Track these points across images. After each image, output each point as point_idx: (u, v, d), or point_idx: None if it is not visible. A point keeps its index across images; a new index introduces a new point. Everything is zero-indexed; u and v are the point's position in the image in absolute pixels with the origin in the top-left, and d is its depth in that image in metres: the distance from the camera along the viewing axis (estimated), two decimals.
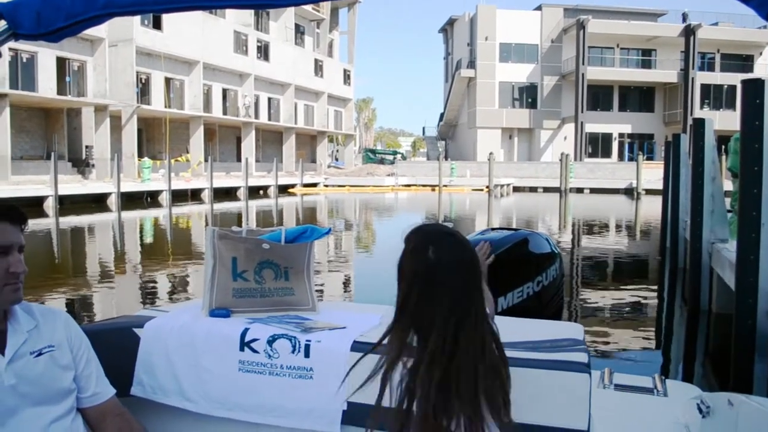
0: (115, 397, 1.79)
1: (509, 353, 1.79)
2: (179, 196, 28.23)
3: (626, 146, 51.71)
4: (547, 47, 51.10)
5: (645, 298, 8.83)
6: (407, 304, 1.42)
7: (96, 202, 24.41)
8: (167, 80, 35.20)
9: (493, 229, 4.47)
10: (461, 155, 52.16)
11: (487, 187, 35.98)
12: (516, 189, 39.08)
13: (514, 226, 16.79)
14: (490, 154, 37.91)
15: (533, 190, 39.65)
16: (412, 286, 1.41)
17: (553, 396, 1.77)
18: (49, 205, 21.83)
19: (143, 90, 33.52)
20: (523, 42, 50.95)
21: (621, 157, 50.81)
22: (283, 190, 36.08)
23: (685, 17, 50.10)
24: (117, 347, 2.13)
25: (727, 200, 7.87)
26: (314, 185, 40.07)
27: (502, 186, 36.78)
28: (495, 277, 3.69)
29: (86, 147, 30.07)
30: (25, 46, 26.06)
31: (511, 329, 2.12)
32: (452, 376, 1.35)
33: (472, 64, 51.83)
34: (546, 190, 38.64)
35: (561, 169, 37.25)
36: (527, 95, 51.68)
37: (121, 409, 1.78)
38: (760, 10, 1.23)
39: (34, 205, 21.03)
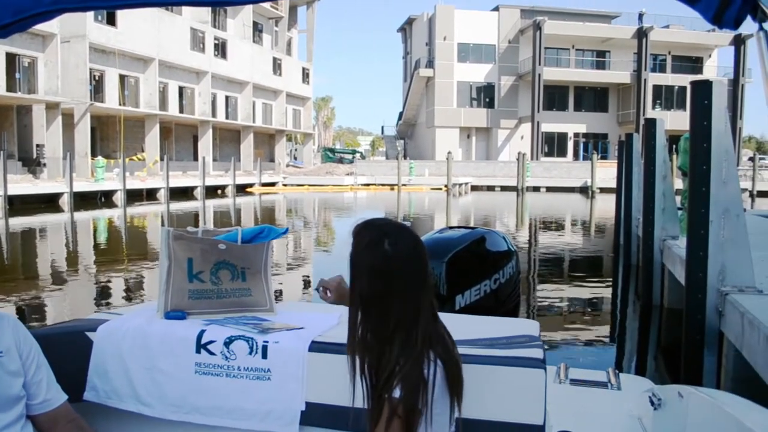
0: (67, 403, 1.75)
1: (466, 350, 1.81)
2: (134, 196, 27.70)
3: (581, 145, 52.66)
4: (505, 48, 51.68)
5: (599, 294, 9.01)
6: (365, 297, 1.45)
7: (48, 203, 23.76)
8: (122, 77, 34.46)
9: (450, 227, 4.49)
10: (420, 154, 52.41)
11: (446, 186, 36.25)
12: (474, 188, 39.44)
13: (471, 225, 16.95)
14: (449, 153, 38.21)
15: (491, 188, 40.08)
16: (371, 278, 1.44)
17: (509, 392, 1.79)
18: None
19: (97, 87, 32.76)
20: (480, 42, 51.41)
21: (576, 156, 51.75)
22: (241, 189, 35.72)
23: (641, 16, 51.22)
24: (69, 352, 2.09)
25: (678, 198, 8.09)
26: (273, 185, 39.76)
27: (460, 185, 37.06)
28: (453, 275, 3.73)
29: (37, 146, 29.27)
30: None
31: (468, 327, 2.14)
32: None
33: (430, 64, 52.11)
34: (503, 188, 39.10)
35: (518, 168, 37.75)
36: (485, 95, 52.17)
37: (73, 415, 1.74)
38: (705, 14, 1.27)
39: None
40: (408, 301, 1.43)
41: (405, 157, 48.15)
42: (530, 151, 46.48)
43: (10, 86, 27.94)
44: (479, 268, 3.88)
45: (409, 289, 1.43)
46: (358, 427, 1.88)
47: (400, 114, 59.94)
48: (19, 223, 19.07)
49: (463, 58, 51.45)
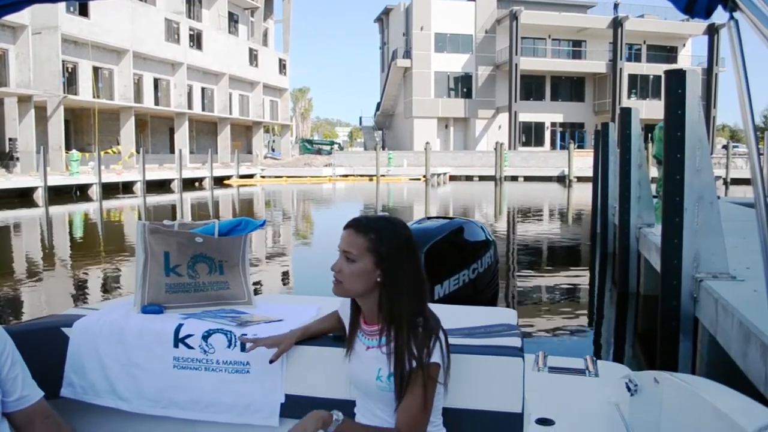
0: (43, 399, 1.73)
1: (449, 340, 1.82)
2: (110, 190, 27.37)
3: (558, 135, 53.02)
4: (482, 38, 51.75)
5: (577, 282, 9.10)
6: (401, 275, 1.65)
7: (21, 197, 23.39)
8: (95, 69, 33.95)
9: (429, 218, 4.51)
10: (398, 145, 52.40)
11: (424, 176, 36.30)
12: (452, 178, 39.55)
13: (450, 215, 17.00)
14: (427, 143, 38.25)
15: (469, 178, 40.21)
16: (409, 258, 1.67)
17: (487, 381, 1.81)
18: None
19: (70, 79, 32.25)
20: (457, 32, 51.41)
21: (553, 145, 52.09)
22: (219, 181, 35.45)
23: (616, 6, 51.56)
24: (44, 348, 2.07)
25: (654, 186, 8.18)
26: (251, 176, 39.52)
27: (438, 175, 37.14)
28: (432, 265, 3.74)
29: (9, 139, 28.77)
30: None
31: (447, 316, 2.14)
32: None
33: (407, 54, 52.04)
34: (482, 178, 39.25)
35: (496, 158, 37.90)
36: (462, 85, 52.24)
37: (49, 411, 1.72)
38: (677, 3, 1.28)
39: None
40: (421, 277, 1.69)
41: (383, 147, 48.12)
42: (508, 140, 46.71)
43: None
44: (458, 258, 3.90)
45: (421, 274, 1.70)
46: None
47: (378, 105, 59.84)
48: None
49: (441, 48, 51.44)
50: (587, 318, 7.11)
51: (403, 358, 1.59)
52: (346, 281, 1.66)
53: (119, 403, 2.08)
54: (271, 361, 1.92)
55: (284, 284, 9.14)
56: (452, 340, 1.86)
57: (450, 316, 2.17)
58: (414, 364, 1.58)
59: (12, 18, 25.43)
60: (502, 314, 2.28)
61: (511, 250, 11.98)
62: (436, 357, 1.60)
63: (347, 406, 1.82)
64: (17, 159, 28.65)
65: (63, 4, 28.08)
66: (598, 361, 2.34)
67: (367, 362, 1.69)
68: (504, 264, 9.84)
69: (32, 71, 29.00)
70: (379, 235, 1.65)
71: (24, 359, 1.75)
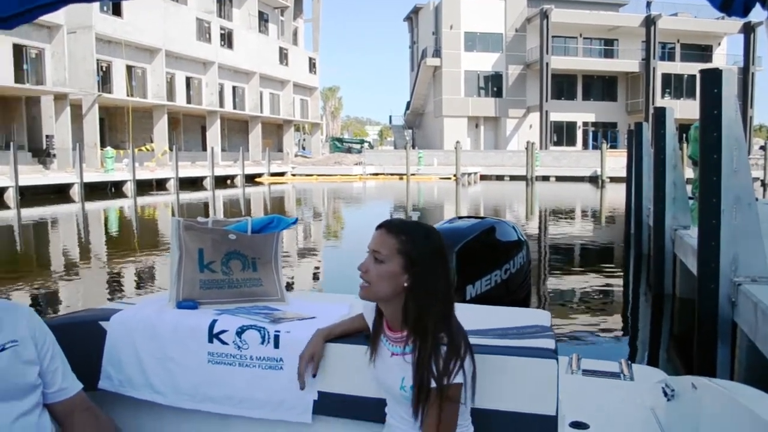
0: (82, 391, 1.76)
1: (477, 341, 1.81)
2: (144, 186, 27.79)
3: (590, 134, 52.38)
4: (512, 36, 51.37)
5: (610, 284, 8.98)
6: (429, 285, 1.62)
7: (58, 193, 23.89)
8: (129, 68, 34.51)
9: (460, 217, 4.48)
10: (428, 144, 52.28)
11: (455, 175, 36.18)
12: (483, 177, 39.33)
13: (481, 215, 16.93)
14: (457, 142, 38.12)
15: (500, 178, 39.95)
16: (439, 266, 1.64)
17: (521, 382, 1.79)
18: (10, 197, 21.32)
19: (104, 78, 32.83)
20: (487, 31, 51.09)
21: (585, 145, 51.48)
22: (250, 179, 35.77)
23: (649, 4, 50.78)
24: (83, 341, 2.10)
25: (689, 187, 8.03)
26: (281, 174, 39.79)
27: (469, 174, 36.97)
28: (463, 265, 3.72)
29: (46, 137, 29.39)
30: None
31: (479, 317, 2.14)
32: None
33: (437, 53, 51.88)
34: (512, 178, 38.96)
35: (527, 157, 37.60)
36: (492, 84, 51.92)
37: (88, 403, 1.76)
38: (713, 1, 1.25)
39: None
40: (451, 287, 1.67)
41: (413, 146, 48.06)
42: (539, 140, 46.30)
43: (18, 77, 28.02)
44: (489, 258, 3.88)
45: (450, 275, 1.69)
46: (372, 416, 1.89)
47: (408, 104, 59.78)
48: (30, 213, 19.19)
49: (470, 47, 51.17)
50: (621, 321, 7.01)
51: (424, 374, 1.56)
52: (372, 282, 1.63)
53: (155, 396, 2.11)
54: (314, 376, 1.93)
55: (314, 282, 9.19)
56: (484, 341, 1.85)
57: (482, 316, 2.16)
58: (432, 383, 1.55)
59: (48, 18, 25.96)
60: (535, 315, 2.26)
61: (543, 250, 11.87)
62: (458, 377, 1.56)
63: (379, 405, 1.82)
64: (54, 156, 29.25)
65: (97, 4, 28.62)
66: (633, 364, 2.30)
67: (392, 368, 1.67)
68: (536, 265, 9.76)
69: (68, 70, 29.58)
70: (411, 238, 1.62)
71: (63, 352, 1.78)
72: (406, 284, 1.61)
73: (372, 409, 1.87)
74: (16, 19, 1.69)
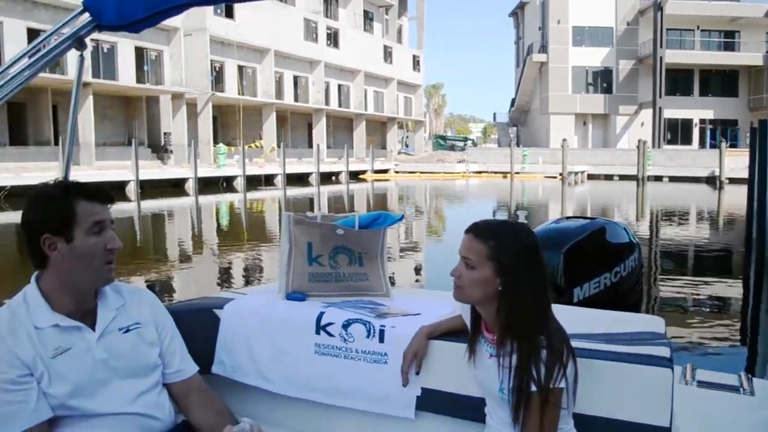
0: (198, 374, 1.85)
1: (585, 345, 1.75)
2: (253, 182, 28.86)
3: (708, 133, 49.47)
4: (623, 30, 49.35)
5: (728, 291, 8.47)
6: (526, 286, 1.57)
7: (174, 187, 25.26)
8: (240, 68, 35.95)
9: (567, 217, 4.36)
10: (533, 142, 51.20)
11: (561, 174, 35.23)
12: (590, 177, 38.10)
13: (588, 215, 16.40)
14: (564, 140, 37.07)
15: (609, 177, 38.55)
16: (534, 267, 1.59)
17: (631, 390, 1.72)
18: (131, 190, 22.72)
19: (217, 78, 34.36)
20: (597, 25, 49.35)
21: (702, 144, 48.69)
22: (354, 176, 36.36)
23: None
24: (198, 327, 2.20)
25: None
26: (385, 171, 40.20)
27: (576, 173, 35.92)
28: (571, 267, 3.62)
29: (164, 133, 31.14)
30: (105, 37, 27.13)
31: (588, 321, 2.07)
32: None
33: (543, 49, 50.66)
34: (622, 178, 37.49)
35: (638, 156, 36.00)
36: (602, 80, 50.15)
37: (204, 385, 1.84)
38: None
39: (116, 189, 21.91)
40: (546, 287, 1.61)
41: (518, 144, 47.23)
42: (651, 138, 44.23)
43: (140, 78, 29.88)
44: (599, 260, 3.74)
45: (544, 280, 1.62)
46: (474, 416, 1.87)
47: (513, 100, 58.79)
48: (149, 206, 20.40)
49: (579, 42, 49.62)
50: (740, 331, 6.59)
51: (522, 378, 1.53)
52: (465, 288, 1.61)
53: (264, 383, 2.18)
54: (417, 373, 1.94)
55: (416, 278, 9.23)
56: (592, 346, 1.79)
57: (590, 320, 2.09)
58: (533, 387, 1.51)
59: (166, 21, 27.47)
60: (647, 321, 2.16)
61: (655, 254, 11.36)
62: (559, 381, 1.51)
63: (481, 404, 1.80)
64: (171, 152, 30.93)
65: (211, 7, 29.96)
66: (754, 378, 2.16)
67: (491, 370, 1.64)
68: (648, 269, 9.35)
69: (184, 70, 31.20)
70: (500, 242, 1.57)
71: (181, 336, 1.88)
72: (499, 288, 1.58)
73: (475, 409, 1.86)
74: (142, 23, 1.81)
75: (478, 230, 1.61)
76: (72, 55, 1.98)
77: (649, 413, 1.70)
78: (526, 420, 1.53)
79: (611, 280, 3.74)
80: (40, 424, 1.52)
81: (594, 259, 3.75)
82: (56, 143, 24.28)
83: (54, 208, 1.58)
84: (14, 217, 16.23)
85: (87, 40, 1.94)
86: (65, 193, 1.60)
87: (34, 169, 22.35)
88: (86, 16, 1.84)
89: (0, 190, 19.59)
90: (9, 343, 1.53)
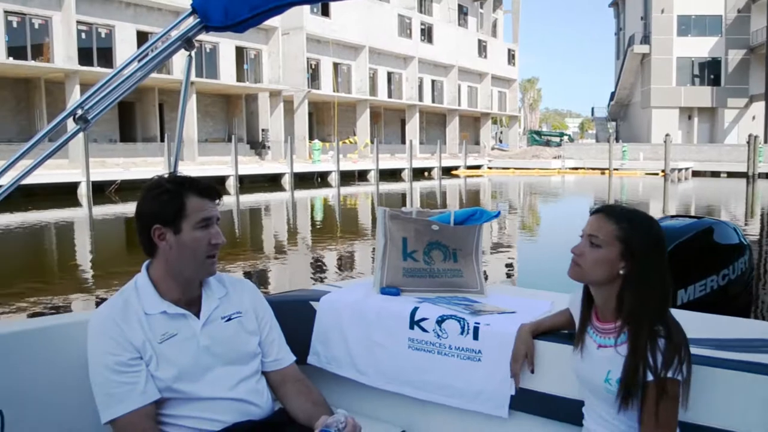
0: (295, 364, 1.90)
1: (696, 351, 1.66)
2: (347, 177, 29.32)
3: None
4: (733, 18, 46.59)
5: None
6: (653, 276, 1.54)
7: (271, 182, 26.04)
8: (335, 65, 36.55)
9: (672, 216, 4.16)
10: (633, 137, 49.27)
11: (663, 171, 33.73)
12: (695, 173, 36.31)
13: (692, 214, 15.65)
14: (667, 135, 35.42)
15: (715, 174, 36.60)
16: (659, 257, 1.56)
17: (746, 401, 1.62)
18: (231, 184, 23.60)
19: (313, 75, 35.10)
20: (704, 13, 46.84)
21: None
22: (447, 172, 36.24)
23: None
24: (295, 318, 2.25)
25: None
26: (478, 167, 39.85)
27: (679, 170, 34.33)
28: (675, 268, 3.45)
29: (262, 130, 32.15)
30: (208, 38, 28.30)
31: (694, 324, 1.97)
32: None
33: (646, 39, 48.56)
34: (730, 175, 35.51)
35: (748, 152, 33.93)
36: (709, 71, 47.59)
37: (300, 375, 1.89)
38: None
39: (217, 184, 22.68)
40: (669, 283, 1.58)
41: (617, 139, 45.60)
42: (764, 132, 41.59)
43: (239, 77, 30.99)
44: (706, 262, 3.56)
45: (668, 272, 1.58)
46: (570, 418, 1.82)
47: (612, 94, 56.79)
48: (247, 200, 21.13)
49: (684, 32, 47.26)
50: None
51: (638, 367, 1.48)
52: (585, 266, 1.58)
53: (358, 375, 2.21)
54: (532, 372, 1.91)
55: (509, 275, 9.10)
56: (701, 351, 1.70)
57: (696, 323, 1.98)
58: (650, 376, 1.47)
59: (265, 21, 28.33)
60: (760, 328, 2.04)
61: (765, 257, 10.69)
62: (677, 372, 1.47)
63: (576, 406, 1.75)
64: (268, 148, 31.89)
65: (308, 6, 30.61)
66: None
67: (598, 361, 1.60)
68: (759, 272, 8.81)
69: (281, 68, 32.05)
70: (633, 225, 1.55)
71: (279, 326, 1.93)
72: (621, 272, 1.55)
73: (571, 410, 1.81)
74: (247, 23, 1.88)
75: (611, 210, 1.60)
76: (178, 56, 2.07)
77: (764, 427, 1.60)
78: (643, 413, 1.49)
79: (718, 282, 3.54)
80: (148, 404, 1.61)
81: (700, 261, 3.57)
82: (162, 140, 25.56)
83: (166, 201, 1.66)
84: (123, 209, 17.25)
85: (194, 40, 2.02)
86: (178, 187, 1.68)
87: (142, 164, 23.69)
88: (194, 18, 1.92)
89: (111, 184, 20.80)
90: (122, 328, 1.63)
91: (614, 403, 1.54)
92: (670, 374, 1.47)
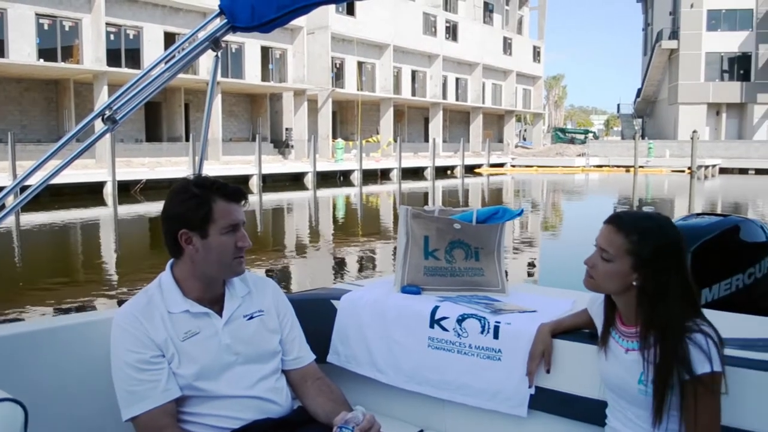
0: (315, 362, 1.91)
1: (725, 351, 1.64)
2: (369, 176, 29.34)
3: None
4: (764, 12, 45.75)
5: None
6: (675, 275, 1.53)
7: (294, 181, 26.15)
8: (359, 64, 36.58)
9: (698, 214, 4.09)
10: (660, 134, 48.64)
11: (689, 168, 33.27)
12: (723, 171, 35.77)
13: (719, 212, 15.40)
14: (694, 132, 34.93)
15: (743, 172, 36.02)
16: (666, 266, 1.52)
17: None
18: (254, 183, 23.75)
19: (337, 74, 35.17)
20: (734, 7, 46.06)
21: None
22: (470, 170, 36.11)
23: None
24: (316, 317, 2.26)
25: None
26: (501, 165, 39.64)
27: (706, 167, 33.82)
28: (700, 266, 3.40)
29: (286, 129, 32.29)
30: (234, 38, 28.47)
31: (719, 324, 1.94)
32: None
33: (674, 35, 47.88)
34: (759, 172, 34.92)
35: None
36: (739, 66, 46.77)
37: (320, 373, 1.90)
38: None
39: (240, 183, 22.89)
40: (690, 282, 1.56)
41: (643, 137, 45.05)
42: None
43: (264, 76, 31.17)
44: (731, 261, 3.49)
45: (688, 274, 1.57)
46: (590, 418, 1.81)
47: (638, 91, 56.08)
48: (271, 198, 21.25)
49: (714, 27, 46.52)
50: None
51: (671, 368, 1.47)
52: (598, 278, 1.57)
53: (378, 374, 2.21)
54: (547, 371, 1.90)
55: (531, 274, 9.05)
56: (729, 352, 1.68)
57: (721, 323, 1.95)
58: (686, 375, 1.45)
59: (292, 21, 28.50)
60: None
61: None
62: (714, 365, 1.46)
63: (597, 407, 1.74)
64: (292, 146, 32.04)
65: (333, 6, 30.69)
66: None
67: (628, 365, 1.59)
68: None
69: (306, 68, 32.17)
70: (642, 236, 1.53)
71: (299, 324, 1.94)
72: (635, 283, 1.53)
73: (592, 410, 1.79)
74: (274, 23, 1.90)
75: (620, 222, 1.57)
76: (204, 57, 2.09)
77: None
78: (687, 415, 1.48)
79: (744, 281, 3.47)
80: (169, 402, 1.63)
81: (726, 259, 3.50)
82: (187, 139, 25.81)
83: (193, 206, 1.67)
84: (148, 208, 17.45)
85: (221, 41, 2.04)
86: (205, 191, 1.69)
87: (167, 164, 23.93)
88: (221, 18, 1.95)
89: (136, 183, 21.06)
90: (145, 327, 1.66)
91: (646, 404, 1.54)
92: (707, 369, 1.45)
